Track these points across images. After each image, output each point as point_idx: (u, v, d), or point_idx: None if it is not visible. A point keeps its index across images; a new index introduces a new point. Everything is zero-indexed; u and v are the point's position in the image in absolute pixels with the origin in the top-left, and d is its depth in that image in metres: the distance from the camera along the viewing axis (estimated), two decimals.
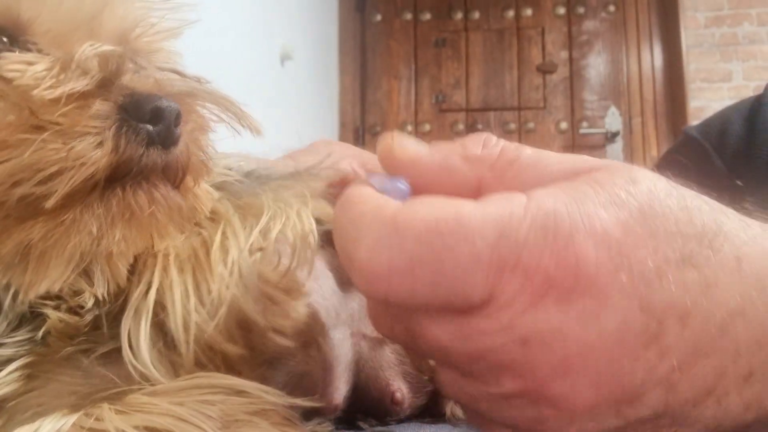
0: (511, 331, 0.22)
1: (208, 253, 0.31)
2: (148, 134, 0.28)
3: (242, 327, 0.30)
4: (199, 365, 0.30)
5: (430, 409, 0.47)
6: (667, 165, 0.70)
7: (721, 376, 0.23)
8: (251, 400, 0.28)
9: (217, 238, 0.31)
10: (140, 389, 0.28)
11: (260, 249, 0.31)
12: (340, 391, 0.41)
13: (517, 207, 0.22)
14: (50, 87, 0.27)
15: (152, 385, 0.29)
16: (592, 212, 0.22)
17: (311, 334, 0.31)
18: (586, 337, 0.22)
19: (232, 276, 0.30)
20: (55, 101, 0.27)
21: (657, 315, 0.22)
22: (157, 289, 0.30)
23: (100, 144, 0.27)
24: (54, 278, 0.29)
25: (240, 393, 0.28)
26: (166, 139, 0.29)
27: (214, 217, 0.33)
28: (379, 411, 0.44)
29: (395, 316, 0.26)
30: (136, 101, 0.28)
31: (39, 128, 0.26)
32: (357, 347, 0.43)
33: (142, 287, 0.30)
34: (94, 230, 0.28)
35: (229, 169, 0.37)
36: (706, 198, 0.25)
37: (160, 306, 0.30)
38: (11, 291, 0.30)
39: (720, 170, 0.64)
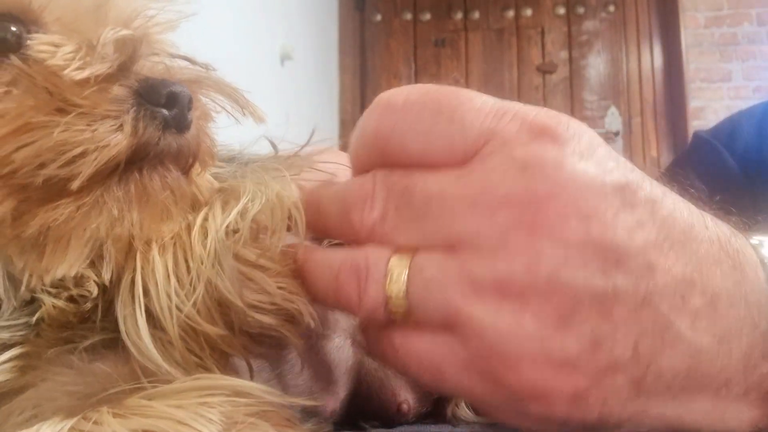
0: (512, 161, 0.25)
1: (189, 235, 0.31)
2: (164, 118, 0.28)
3: (221, 306, 0.30)
4: (187, 346, 0.30)
5: (432, 410, 0.46)
6: (680, 169, 0.71)
7: (696, 270, 0.26)
8: (251, 401, 0.28)
9: (199, 220, 0.31)
10: (138, 390, 0.28)
11: (236, 231, 0.31)
12: (338, 396, 0.41)
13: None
14: (79, 68, 0.27)
15: (152, 373, 0.28)
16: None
17: (294, 308, 0.31)
18: (579, 170, 0.25)
19: (209, 257, 0.30)
20: (82, 83, 0.27)
21: (633, 182, 0.26)
22: (142, 273, 0.30)
23: (120, 127, 0.27)
24: (71, 262, 0.29)
25: (240, 394, 0.28)
26: (180, 124, 0.29)
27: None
28: (383, 418, 0.44)
29: (389, 188, 0.28)
30: (152, 86, 0.28)
31: (61, 111, 0.27)
32: (360, 356, 0.42)
33: (129, 272, 0.30)
34: (116, 212, 0.28)
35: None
36: None
37: (145, 290, 0.30)
38: (25, 276, 0.29)
39: (732, 169, 0.64)
